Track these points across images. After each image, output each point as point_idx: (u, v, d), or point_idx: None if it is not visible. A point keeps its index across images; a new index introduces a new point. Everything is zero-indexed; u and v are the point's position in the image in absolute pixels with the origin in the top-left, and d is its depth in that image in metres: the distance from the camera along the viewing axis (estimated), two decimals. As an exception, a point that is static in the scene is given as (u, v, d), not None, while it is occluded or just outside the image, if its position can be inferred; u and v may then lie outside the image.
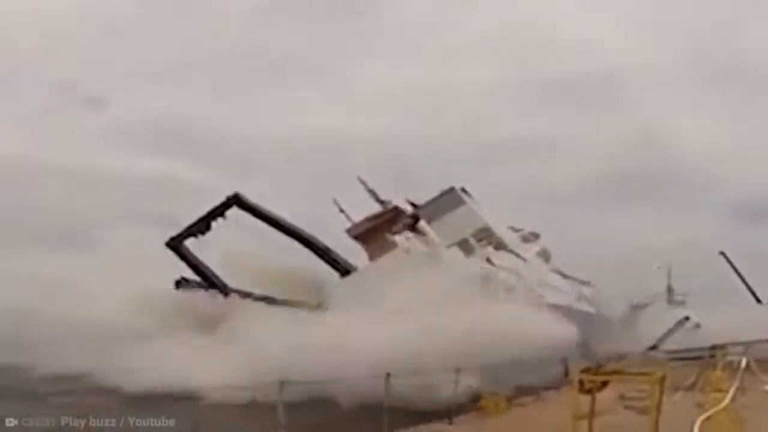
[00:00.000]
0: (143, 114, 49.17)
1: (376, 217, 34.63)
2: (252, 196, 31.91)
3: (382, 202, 35.16)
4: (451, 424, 18.07)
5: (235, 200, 31.51)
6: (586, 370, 14.48)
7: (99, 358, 24.68)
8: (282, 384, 14.19)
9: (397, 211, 34.49)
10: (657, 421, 14.01)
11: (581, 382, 14.14)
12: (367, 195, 35.20)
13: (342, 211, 35.06)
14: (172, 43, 50.03)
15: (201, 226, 31.26)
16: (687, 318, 39.73)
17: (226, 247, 32.56)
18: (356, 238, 34.79)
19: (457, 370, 19.28)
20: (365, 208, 35.03)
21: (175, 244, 30.99)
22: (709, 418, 15.14)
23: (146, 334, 26.44)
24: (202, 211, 31.48)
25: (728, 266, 46.18)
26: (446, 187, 37.96)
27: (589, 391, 14.31)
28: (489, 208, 37.99)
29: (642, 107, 52.91)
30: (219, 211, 31.39)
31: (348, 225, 35.35)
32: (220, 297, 30.18)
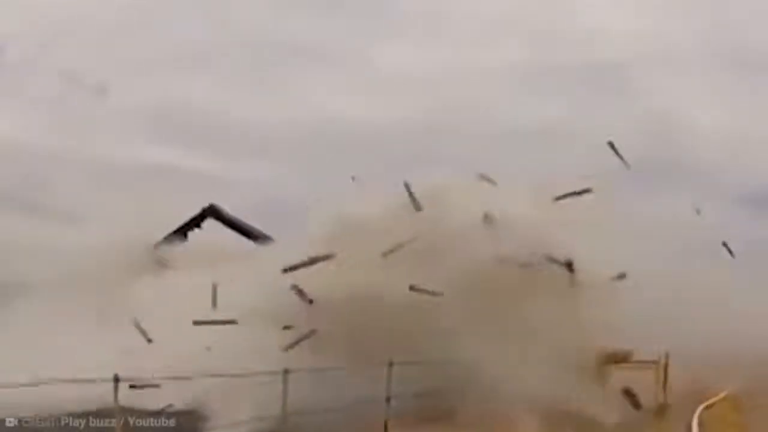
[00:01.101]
0: (147, 101, 48.78)
1: None
2: (259, 183, 32.00)
3: None
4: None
5: (211, 211, 32.56)
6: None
7: None
8: (285, 373, 10.68)
9: None
10: (660, 408, 14.49)
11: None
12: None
13: None
14: (178, 29, 49.86)
15: (178, 236, 32.43)
16: None
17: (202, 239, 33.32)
18: None
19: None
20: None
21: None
22: (709, 406, 15.54)
23: None
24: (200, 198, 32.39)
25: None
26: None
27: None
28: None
29: (656, 94, 52.68)
30: (195, 222, 32.49)
31: None
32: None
